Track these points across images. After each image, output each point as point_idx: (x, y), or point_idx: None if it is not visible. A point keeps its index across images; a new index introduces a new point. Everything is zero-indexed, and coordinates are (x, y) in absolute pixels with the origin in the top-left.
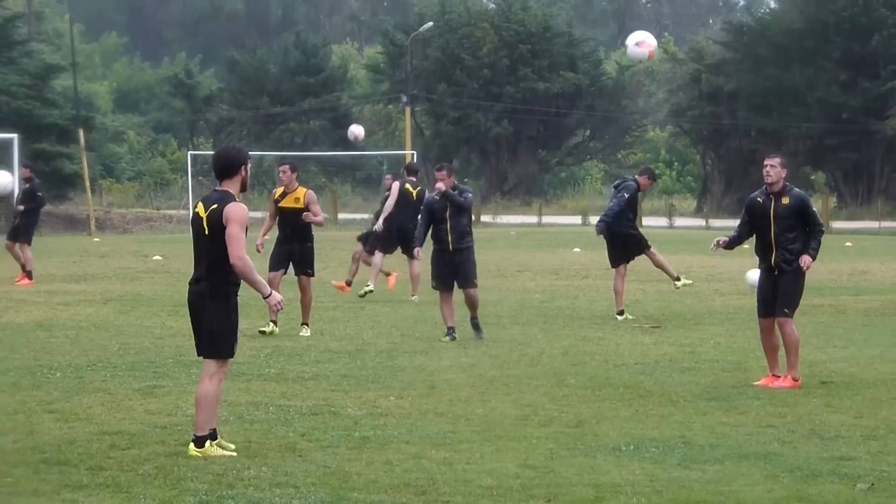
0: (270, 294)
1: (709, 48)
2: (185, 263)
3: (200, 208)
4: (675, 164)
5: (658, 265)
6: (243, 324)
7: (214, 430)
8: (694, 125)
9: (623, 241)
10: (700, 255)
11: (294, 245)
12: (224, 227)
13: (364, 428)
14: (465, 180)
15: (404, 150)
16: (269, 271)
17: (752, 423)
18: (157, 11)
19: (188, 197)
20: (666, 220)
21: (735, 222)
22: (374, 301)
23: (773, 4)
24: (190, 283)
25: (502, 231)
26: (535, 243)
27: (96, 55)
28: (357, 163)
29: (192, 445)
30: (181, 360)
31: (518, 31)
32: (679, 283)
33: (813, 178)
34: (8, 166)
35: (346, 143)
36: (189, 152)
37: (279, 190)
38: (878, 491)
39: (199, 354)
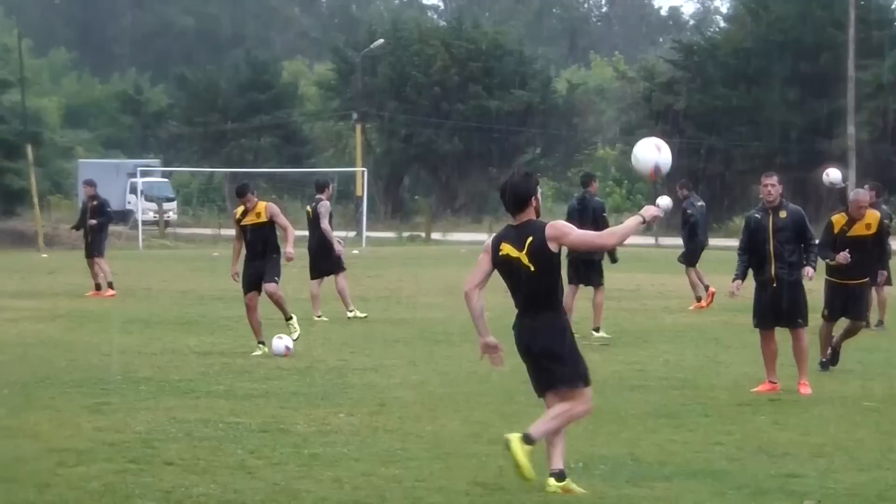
0: None
1: (659, 67)
2: (134, 279)
3: (511, 249)
4: (625, 182)
5: (595, 306)
6: (192, 341)
7: (563, 469)
8: None
9: (580, 265)
10: (649, 272)
11: (260, 261)
12: (551, 255)
13: (313, 445)
14: (416, 197)
15: (355, 167)
16: (245, 293)
17: (700, 440)
18: (107, 27)
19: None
20: None
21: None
22: (325, 318)
23: (722, 24)
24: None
25: (452, 248)
26: None
27: (45, 70)
28: (307, 179)
29: (552, 480)
30: (129, 378)
31: (469, 49)
32: (597, 335)
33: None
34: None
35: (297, 160)
36: (138, 168)
37: (239, 209)
38: None
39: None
